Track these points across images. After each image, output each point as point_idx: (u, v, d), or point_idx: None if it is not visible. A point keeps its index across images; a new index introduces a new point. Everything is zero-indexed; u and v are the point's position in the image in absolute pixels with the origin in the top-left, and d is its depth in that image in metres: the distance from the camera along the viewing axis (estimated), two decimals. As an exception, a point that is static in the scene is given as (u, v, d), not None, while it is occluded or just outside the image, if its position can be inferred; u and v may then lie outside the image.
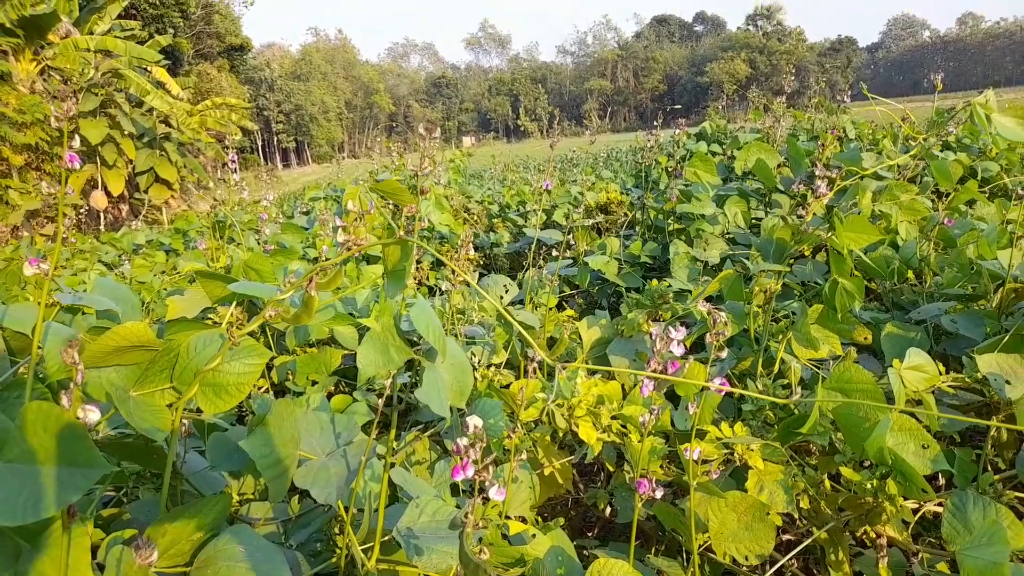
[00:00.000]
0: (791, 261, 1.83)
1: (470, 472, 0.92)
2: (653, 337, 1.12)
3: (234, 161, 2.63)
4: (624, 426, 1.49)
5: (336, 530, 1.35)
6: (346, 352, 2.37)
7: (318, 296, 1.00)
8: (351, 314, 2.39)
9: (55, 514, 0.75)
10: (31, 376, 1.04)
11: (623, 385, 1.65)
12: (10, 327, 1.44)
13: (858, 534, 1.34)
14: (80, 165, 1.04)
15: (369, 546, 1.12)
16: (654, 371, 1.11)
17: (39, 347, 1.04)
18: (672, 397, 1.67)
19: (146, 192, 22.81)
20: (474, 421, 0.94)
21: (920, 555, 1.33)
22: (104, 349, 1.16)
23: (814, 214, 1.48)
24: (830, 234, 1.45)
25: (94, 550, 0.95)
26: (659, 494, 1.18)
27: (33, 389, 1.10)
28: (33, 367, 1.05)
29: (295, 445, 1.02)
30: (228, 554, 0.93)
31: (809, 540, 1.28)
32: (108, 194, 21.56)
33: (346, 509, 1.14)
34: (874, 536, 1.32)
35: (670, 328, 1.09)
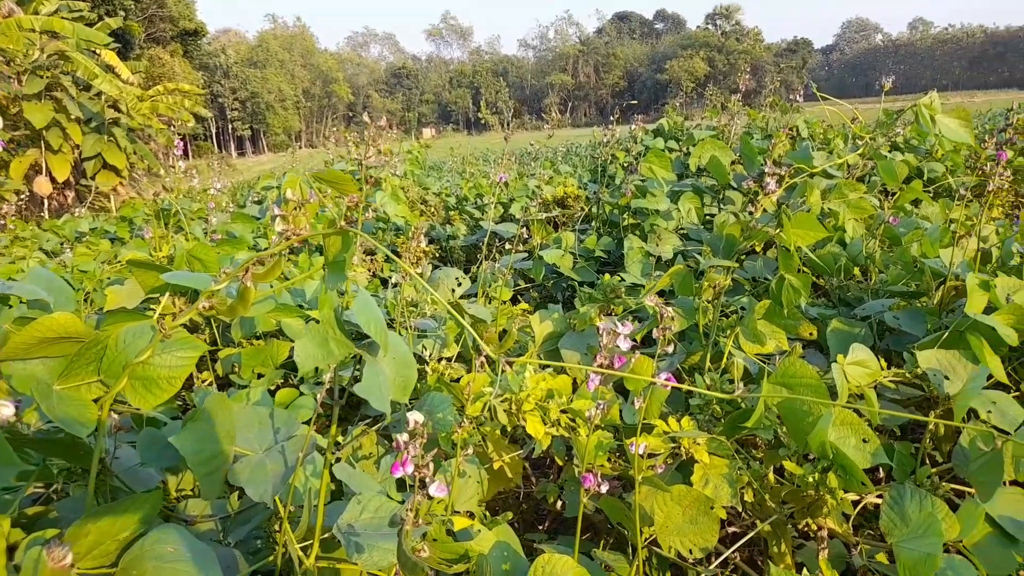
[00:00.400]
0: (742, 257, 1.84)
1: (410, 468, 0.90)
2: (601, 331, 1.11)
3: (181, 147, 2.55)
4: (573, 420, 1.49)
5: (276, 527, 1.32)
6: (294, 344, 2.32)
7: (257, 287, 0.97)
8: (300, 306, 2.34)
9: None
10: (-53, 368, 0.98)
11: (574, 380, 1.65)
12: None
13: (800, 526, 1.35)
14: (20, 150, 0.98)
15: (308, 543, 1.09)
16: (601, 365, 1.10)
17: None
18: (622, 391, 1.67)
19: (93, 178, 22.10)
20: (415, 417, 0.92)
21: (860, 547, 1.35)
22: (29, 340, 1.10)
23: (764, 211, 1.49)
24: (778, 231, 1.46)
25: (12, 550, 0.90)
26: (604, 488, 1.17)
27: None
28: (-51, 359, 0.99)
29: (230, 441, 0.99)
30: (156, 554, 0.89)
31: (753, 533, 1.29)
32: (53, 180, 20.84)
33: (285, 506, 1.11)
34: (815, 528, 1.34)
35: (617, 323, 1.08)
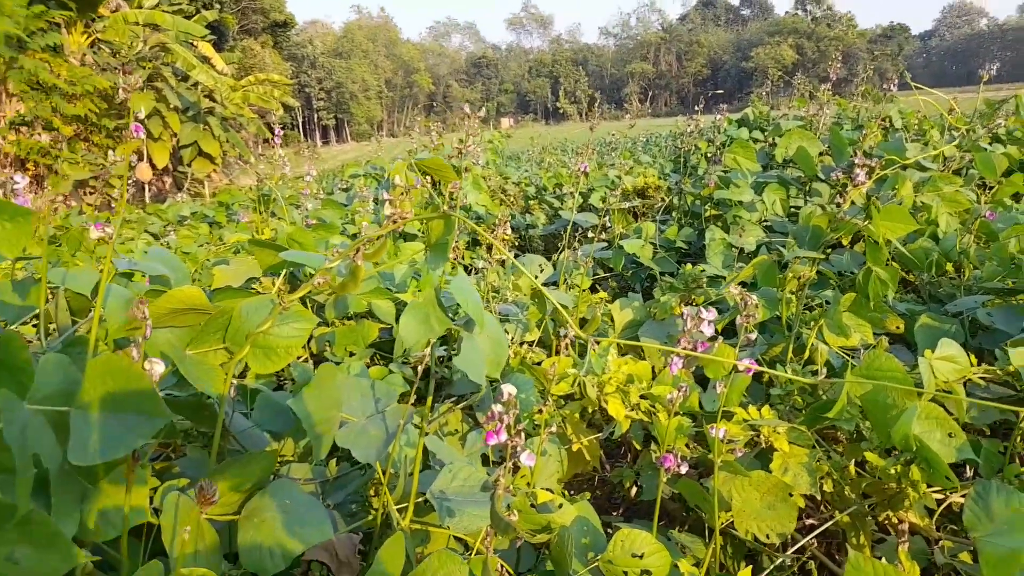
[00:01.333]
0: (828, 250, 1.83)
1: (503, 436, 0.97)
2: (684, 317, 1.15)
3: (279, 136, 2.69)
4: (652, 406, 1.53)
5: (372, 492, 1.41)
6: (383, 326, 2.44)
7: (364, 267, 1.05)
8: (388, 289, 2.45)
9: (122, 457, 0.81)
10: (94, 332, 1.11)
11: (653, 367, 1.68)
12: (72, 289, 1.53)
13: (880, 519, 1.36)
14: (144, 135, 1.10)
15: (403, 506, 1.18)
16: (684, 350, 1.14)
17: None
18: (701, 381, 1.69)
19: (189, 165, 23.23)
20: (508, 388, 0.99)
21: (942, 543, 1.35)
22: (161, 311, 1.22)
23: (852, 203, 1.48)
24: (867, 223, 1.45)
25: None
26: (684, 470, 1.21)
27: (95, 345, 1.17)
28: (96, 324, 1.11)
29: (338, 407, 1.08)
30: (275, 504, 0.99)
31: (831, 522, 1.30)
32: (153, 167, 22.01)
33: (385, 472, 1.20)
34: (896, 522, 1.34)
35: (701, 309, 1.12)
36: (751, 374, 1.15)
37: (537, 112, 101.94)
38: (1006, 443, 1.48)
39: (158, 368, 0.84)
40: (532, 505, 1.34)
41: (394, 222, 1.05)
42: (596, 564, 1.19)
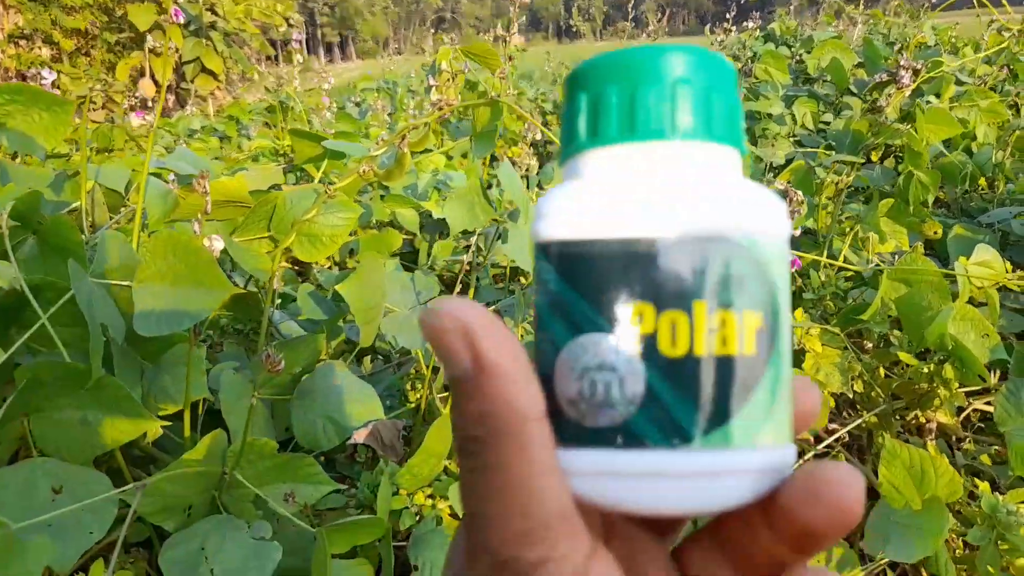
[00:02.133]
0: (861, 161, 1.80)
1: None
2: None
3: (299, 41, 2.63)
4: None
5: (408, 387, 1.45)
6: (405, 236, 2.44)
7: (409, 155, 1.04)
8: (411, 198, 2.44)
9: (183, 332, 0.83)
10: (138, 220, 1.11)
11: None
12: (105, 184, 1.52)
13: (909, 420, 1.38)
14: (183, 19, 1.07)
15: (444, 395, 1.21)
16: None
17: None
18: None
19: (192, 82, 22.83)
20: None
21: (965, 444, 1.38)
22: (202, 202, 1.22)
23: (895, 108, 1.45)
24: (909, 127, 1.42)
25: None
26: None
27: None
28: (140, 213, 1.11)
29: (383, 296, 1.09)
30: (324, 386, 1.02)
31: (860, 420, 1.33)
32: (156, 83, 21.60)
33: (424, 363, 1.22)
34: (924, 422, 1.37)
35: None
36: (796, 266, 1.15)
37: (549, 30, 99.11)
38: (1035, 349, 1.49)
39: (218, 244, 0.85)
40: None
41: (440, 108, 1.04)
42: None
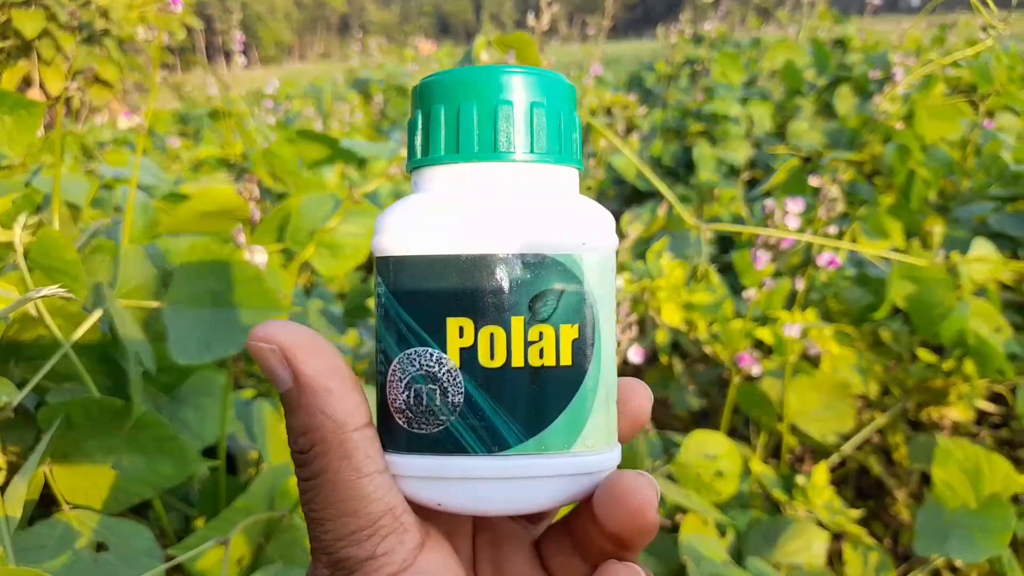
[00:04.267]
0: (862, 159, 1.81)
1: (614, 334, 0.91)
2: (765, 210, 1.11)
3: (240, 43, 2.47)
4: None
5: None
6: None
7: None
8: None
9: (224, 356, 0.71)
10: (127, 233, 0.97)
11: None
12: (66, 199, 1.36)
13: (922, 417, 1.39)
14: (11, 62, 0.94)
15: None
16: (766, 243, 1.10)
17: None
18: (734, 289, 1.67)
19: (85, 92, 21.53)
20: (617, 281, 0.93)
21: (980, 436, 1.40)
22: (192, 214, 1.10)
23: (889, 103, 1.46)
24: (904, 124, 1.44)
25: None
26: (756, 370, 1.19)
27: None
28: (129, 224, 0.98)
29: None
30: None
31: (884, 417, 1.32)
32: (46, 94, 20.30)
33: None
34: (937, 418, 1.37)
35: (787, 200, 1.08)
36: (835, 266, 1.13)
37: (458, 36, 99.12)
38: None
39: (261, 257, 0.74)
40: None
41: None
42: (665, 468, 1.17)
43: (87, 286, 0.72)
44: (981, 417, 1.45)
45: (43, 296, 0.42)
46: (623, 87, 4.52)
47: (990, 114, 2.36)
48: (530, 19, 1.29)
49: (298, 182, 1.28)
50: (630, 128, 3.77)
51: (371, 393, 0.30)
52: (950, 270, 1.37)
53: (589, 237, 0.28)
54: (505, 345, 0.27)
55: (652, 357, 2.04)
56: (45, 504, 0.67)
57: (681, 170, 2.79)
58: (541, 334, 0.27)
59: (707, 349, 1.44)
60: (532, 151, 0.28)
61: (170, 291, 0.70)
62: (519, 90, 0.28)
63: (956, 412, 1.35)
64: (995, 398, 1.54)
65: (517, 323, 0.27)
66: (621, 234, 1.98)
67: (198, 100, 5.13)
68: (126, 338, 0.62)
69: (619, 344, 0.91)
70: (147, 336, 0.73)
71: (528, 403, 0.27)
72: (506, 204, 0.28)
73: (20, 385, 0.62)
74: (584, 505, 0.29)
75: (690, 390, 1.64)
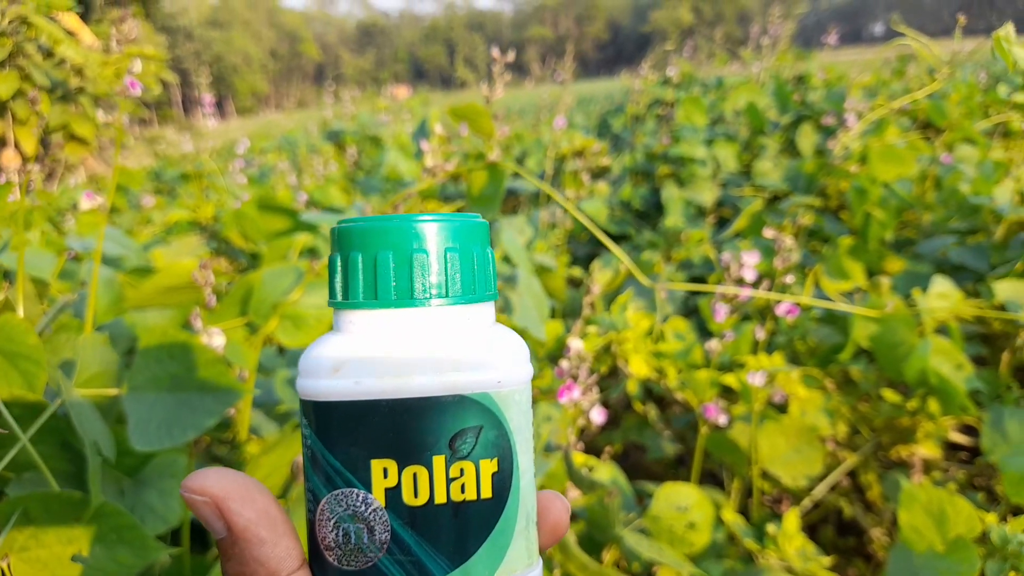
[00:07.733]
0: (818, 204, 1.84)
1: (576, 394, 0.92)
2: (723, 262, 1.13)
3: (210, 103, 2.50)
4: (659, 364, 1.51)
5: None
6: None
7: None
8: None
9: (185, 441, 0.72)
10: (90, 314, 0.98)
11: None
12: (31, 273, 1.36)
13: (891, 455, 1.40)
14: (139, 92, 0.96)
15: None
16: (724, 296, 1.12)
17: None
18: (704, 333, 1.69)
19: (60, 151, 21.53)
20: (576, 344, 0.94)
21: (949, 472, 1.41)
22: (156, 288, 1.11)
23: (843, 147, 1.51)
24: (859, 167, 1.48)
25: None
26: (723, 420, 1.21)
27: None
28: (93, 306, 0.99)
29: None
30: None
31: (849, 463, 1.34)
32: (21, 153, 20.25)
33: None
34: (906, 455, 1.39)
35: (742, 252, 1.10)
36: (794, 315, 1.15)
37: (433, 80, 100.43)
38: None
39: (218, 340, 0.74)
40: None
41: (434, 175, 0.98)
42: (638, 522, 1.17)
43: (50, 368, 0.73)
44: (952, 452, 1.47)
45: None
46: (593, 129, 4.60)
47: (949, 147, 2.43)
48: (494, 52, 1.31)
49: (268, 243, 1.30)
50: (600, 173, 3.84)
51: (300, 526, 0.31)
52: (911, 308, 1.40)
53: (504, 375, 0.30)
54: (428, 483, 0.28)
55: (627, 405, 2.05)
56: (3, 601, 0.67)
57: (652, 212, 2.84)
58: (462, 470, 0.28)
59: (678, 396, 1.46)
60: (447, 295, 0.30)
61: (130, 376, 0.71)
62: (432, 238, 0.30)
63: (924, 450, 1.37)
64: (967, 429, 1.57)
65: (439, 461, 0.28)
66: (588, 286, 2.00)
67: (173, 157, 5.13)
68: (83, 430, 0.62)
69: (581, 408, 0.92)
70: (108, 421, 0.73)
71: (452, 537, 0.28)
72: (423, 349, 0.29)
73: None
74: None
75: (665, 436, 1.65)
